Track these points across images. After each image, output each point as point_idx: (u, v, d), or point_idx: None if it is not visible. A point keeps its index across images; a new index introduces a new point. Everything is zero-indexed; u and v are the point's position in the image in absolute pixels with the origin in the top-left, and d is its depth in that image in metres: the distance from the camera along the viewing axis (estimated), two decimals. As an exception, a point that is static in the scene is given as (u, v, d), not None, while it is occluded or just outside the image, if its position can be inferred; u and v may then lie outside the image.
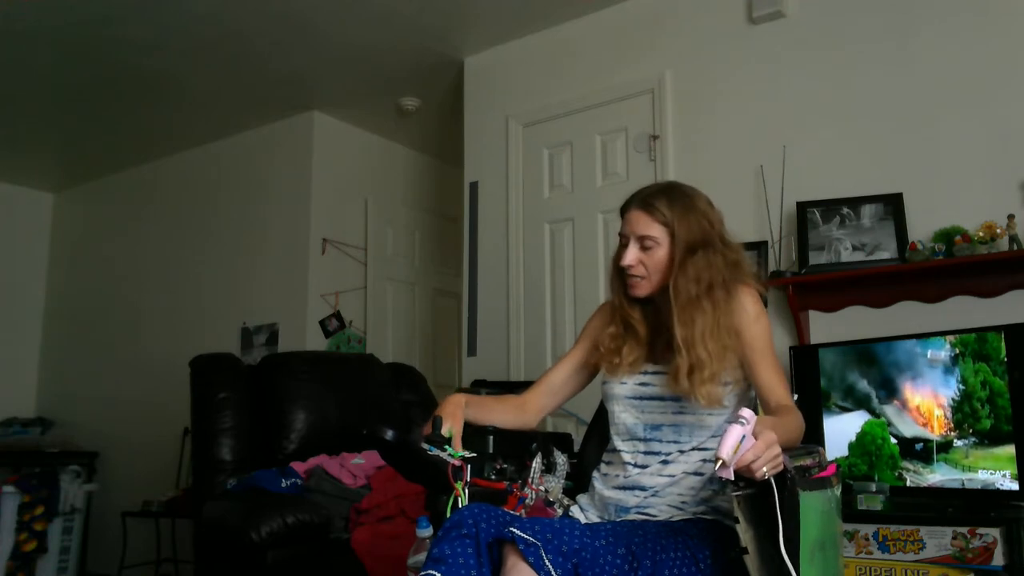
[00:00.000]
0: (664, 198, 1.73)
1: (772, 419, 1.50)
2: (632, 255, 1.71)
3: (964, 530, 2.26)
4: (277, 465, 2.99)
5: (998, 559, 2.21)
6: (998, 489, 2.38)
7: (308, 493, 2.84)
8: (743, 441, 1.33)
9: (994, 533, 2.23)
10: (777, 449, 1.35)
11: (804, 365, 2.79)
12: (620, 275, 1.77)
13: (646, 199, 1.74)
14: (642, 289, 1.73)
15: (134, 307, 5.43)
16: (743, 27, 3.41)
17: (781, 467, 1.36)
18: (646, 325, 1.78)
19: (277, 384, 3.17)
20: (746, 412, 1.37)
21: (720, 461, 1.32)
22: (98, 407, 5.42)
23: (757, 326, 1.68)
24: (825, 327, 3.03)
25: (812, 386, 2.73)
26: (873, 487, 2.50)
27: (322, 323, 4.69)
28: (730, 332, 1.66)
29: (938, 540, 2.29)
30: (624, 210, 1.77)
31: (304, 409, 3.13)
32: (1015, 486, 2.35)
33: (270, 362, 3.32)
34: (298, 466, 2.96)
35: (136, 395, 5.17)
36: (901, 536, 2.34)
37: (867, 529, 2.40)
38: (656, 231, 1.70)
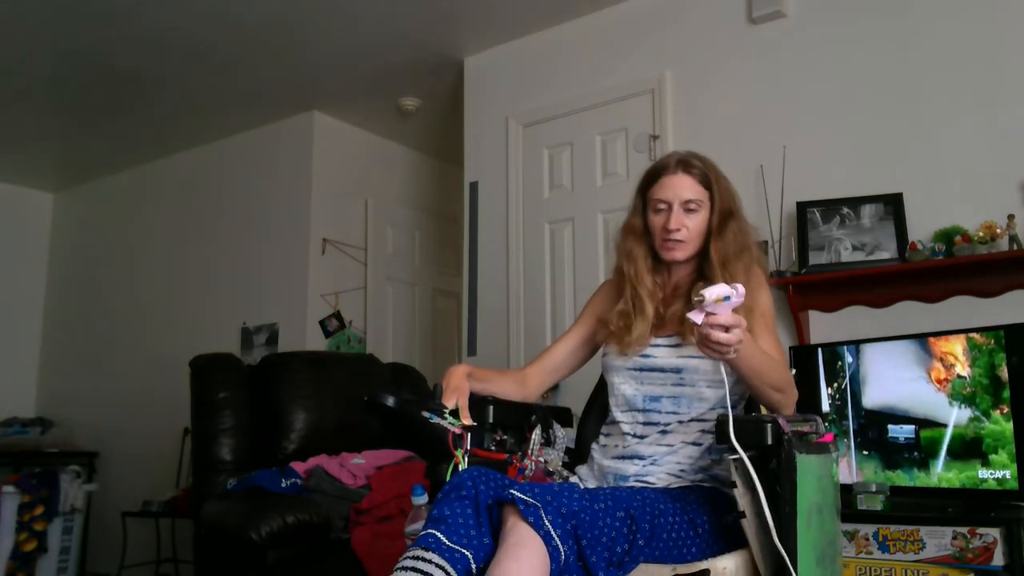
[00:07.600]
0: (699, 161, 1.79)
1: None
2: (678, 218, 1.74)
3: (964, 530, 2.26)
4: (277, 465, 2.99)
5: (998, 559, 2.21)
6: (998, 489, 2.38)
7: (308, 493, 2.84)
8: (726, 301, 1.38)
9: (994, 533, 2.23)
10: (744, 336, 1.42)
11: (804, 365, 2.79)
12: (640, 242, 1.81)
13: (684, 162, 1.78)
14: (682, 252, 1.76)
15: (134, 307, 5.43)
16: (743, 27, 3.40)
17: (734, 353, 1.43)
18: (654, 297, 1.80)
19: (277, 384, 3.17)
20: (740, 286, 1.40)
21: (702, 298, 1.37)
22: (98, 407, 5.42)
23: (764, 300, 1.74)
24: (825, 327, 3.03)
25: (812, 386, 2.73)
26: (873, 487, 2.49)
27: (322, 323, 4.69)
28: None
29: (938, 540, 2.29)
30: (658, 175, 1.79)
31: (304, 409, 3.13)
32: (1015, 486, 2.35)
33: (270, 362, 3.32)
34: (298, 466, 2.96)
35: (136, 395, 5.17)
36: (901, 536, 2.34)
37: (867, 529, 2.40)
38: (699, 194, 1.76)
